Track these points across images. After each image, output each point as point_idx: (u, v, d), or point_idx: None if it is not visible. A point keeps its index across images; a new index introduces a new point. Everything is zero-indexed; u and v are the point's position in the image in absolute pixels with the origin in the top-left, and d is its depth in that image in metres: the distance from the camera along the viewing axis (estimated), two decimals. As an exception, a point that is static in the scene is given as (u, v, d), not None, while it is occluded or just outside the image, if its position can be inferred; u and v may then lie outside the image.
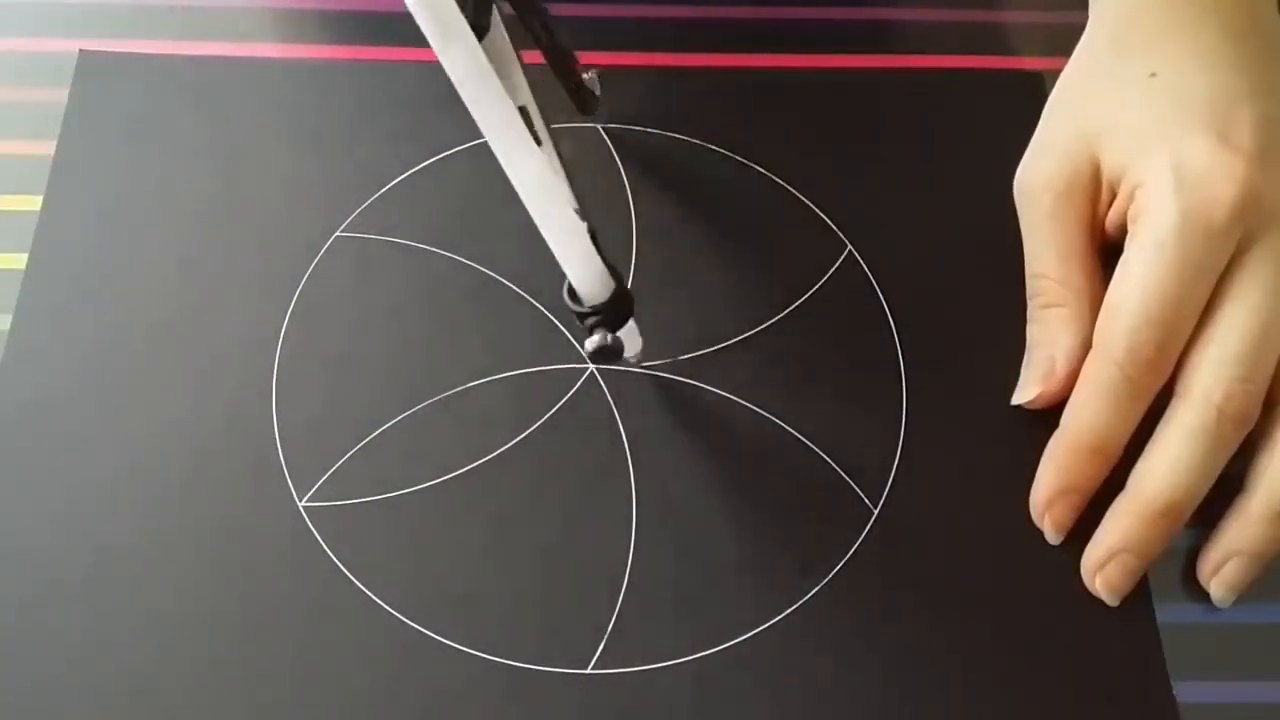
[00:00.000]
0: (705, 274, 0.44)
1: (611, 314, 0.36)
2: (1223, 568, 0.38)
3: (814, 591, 0.38)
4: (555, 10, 0.42)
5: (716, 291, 0.43)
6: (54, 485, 0.39)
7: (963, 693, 0.37)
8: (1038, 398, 0.40)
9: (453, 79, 0.32)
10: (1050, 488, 0.39)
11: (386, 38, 0.47)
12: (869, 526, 0.39)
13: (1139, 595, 0.38)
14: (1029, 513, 0.39)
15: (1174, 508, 0.37)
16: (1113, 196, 0.40)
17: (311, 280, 0.43)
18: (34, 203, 0.44)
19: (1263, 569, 0.38)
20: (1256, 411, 0.37)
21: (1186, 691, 0.37)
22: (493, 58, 0.32)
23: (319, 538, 0.38)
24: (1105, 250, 0.41)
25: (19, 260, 0.43)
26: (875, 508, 0.40)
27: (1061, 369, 0.40)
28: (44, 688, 0.36)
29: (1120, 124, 0.40)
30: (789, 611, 0.38)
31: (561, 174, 0.37)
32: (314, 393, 0.41)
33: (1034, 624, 0.38)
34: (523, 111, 0.33)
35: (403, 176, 0.45)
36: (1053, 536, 0.39)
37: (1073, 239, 0.41)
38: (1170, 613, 0.38)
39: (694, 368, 0.42)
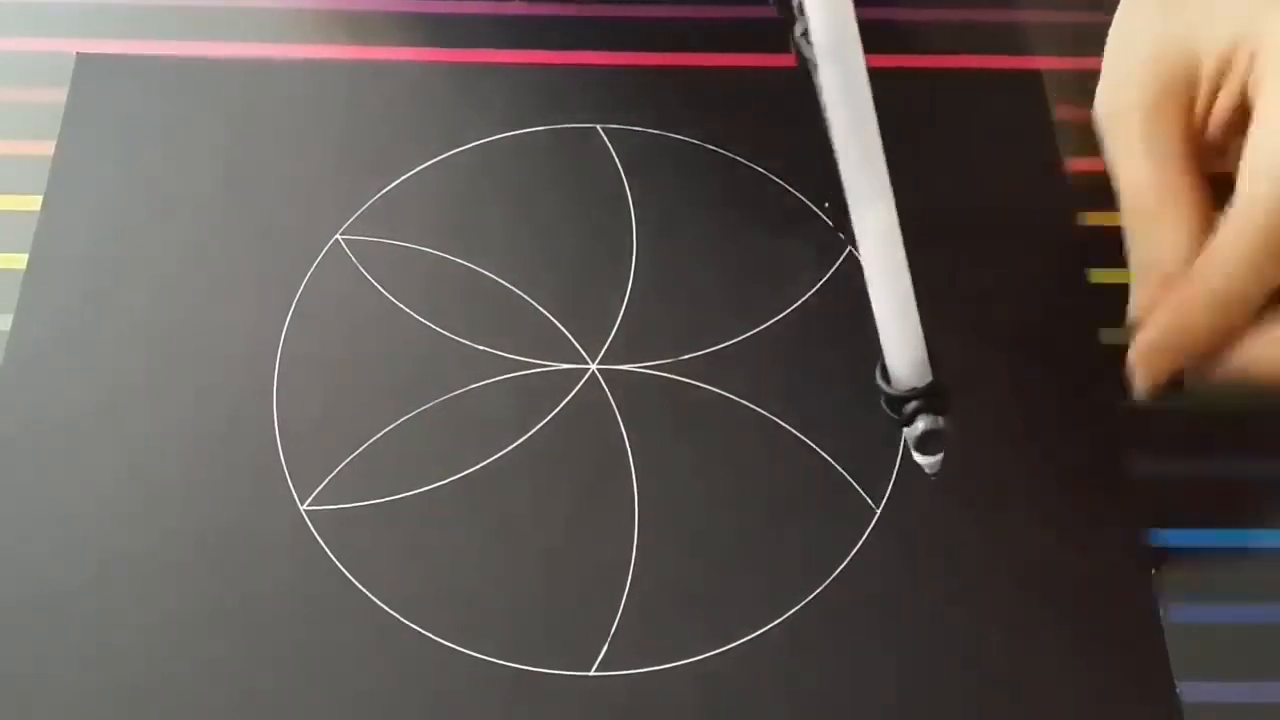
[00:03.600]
0: (705, 274, 0.44)
1: (932, 399, 0.34)
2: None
3: (816, 592, 0.38)
4: (553, 10, 0.41)
5: (716, 291, 0.43)
6: (54, 487, 0.39)
7: (964, 692, 0.37)
8: (1152, 303, 0.37)
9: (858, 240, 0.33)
10: (1154, 342, 0.36)
11: (387, 38, 0.47)
12: (871, 526, 0.39)
13: (1141, 595, 0.38)
14: (1030, 511, 0.39)
15: (1232, 300, 0.35)
16: (1213, 95, 0.38)
17: (312, 282, 0.43)
18: (34, 203, 0.44)
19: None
20: None
21: (1189, 692, 0.37)
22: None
23: (321, 542, 0.38)
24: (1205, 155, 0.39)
25: (19, 260, 0.43)
26: (877, 507, 0.40)
27: (1172, 272, 0.37)
28: (44, 688, 0.36)
29: (1215, 10, 0.38)
30: (792, 612, 0.38)
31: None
32: (315, 395, 0.41)
33: (1035, 623, 0.38)
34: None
35: (403, 177, 0.45)
36: (1142, 390, 0.37)
37: (1170, 149, 0.38)
38: (1173, 613, 0.38)
39: (694, 368, 0.42)
